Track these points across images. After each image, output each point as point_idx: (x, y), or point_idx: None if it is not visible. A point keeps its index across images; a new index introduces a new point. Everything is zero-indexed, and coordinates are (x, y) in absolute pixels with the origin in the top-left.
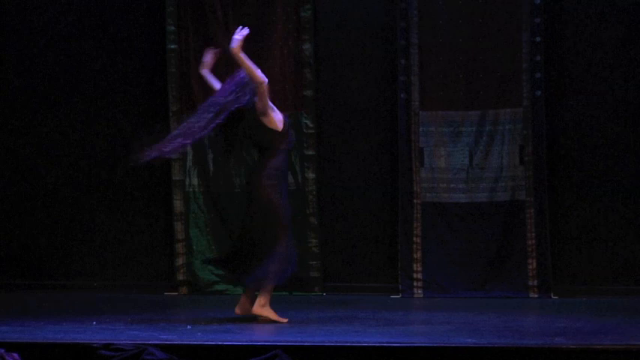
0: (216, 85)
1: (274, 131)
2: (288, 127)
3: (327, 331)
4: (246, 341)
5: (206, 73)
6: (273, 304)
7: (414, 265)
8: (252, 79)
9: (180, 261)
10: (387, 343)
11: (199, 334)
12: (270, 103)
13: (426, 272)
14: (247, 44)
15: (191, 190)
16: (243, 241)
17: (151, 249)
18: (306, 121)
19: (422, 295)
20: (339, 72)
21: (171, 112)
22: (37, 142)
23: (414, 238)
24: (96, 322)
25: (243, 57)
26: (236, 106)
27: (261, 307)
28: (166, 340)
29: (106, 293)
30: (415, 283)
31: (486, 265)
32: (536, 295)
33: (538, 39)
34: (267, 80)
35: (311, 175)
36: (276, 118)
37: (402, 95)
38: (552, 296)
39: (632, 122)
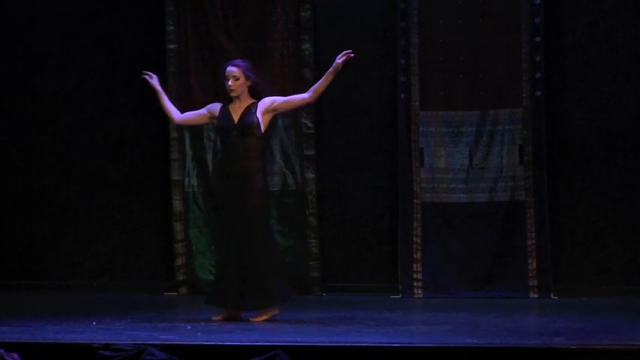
0: (174, 109)
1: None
2: (271, 132)
3: (327, 331)
4: (246, 341)
5: (166, 101)
6: None
7: (414, 265)
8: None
9: (179, 261)
10: (387, 343)
11: (199, 334)
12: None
13: (426, 272)
14: (248, 44)
15: (190, 190)
16: (237, 259)
17: (151, 249)
18: (306, 121)
19: (422, 295)
20: (339, 72)
21: None
22: (37, 142)
23: (414, 238)
24: (96, 322)
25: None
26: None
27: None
28: (166, 340)
29: (106, 293)
30: (415, 283)
31: (486, 265)
32: (536, 295)
33: (538, 39)
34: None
35: (311, 175)
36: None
37: (402, 95)
38: (552, 296)
39: (632, 122)
